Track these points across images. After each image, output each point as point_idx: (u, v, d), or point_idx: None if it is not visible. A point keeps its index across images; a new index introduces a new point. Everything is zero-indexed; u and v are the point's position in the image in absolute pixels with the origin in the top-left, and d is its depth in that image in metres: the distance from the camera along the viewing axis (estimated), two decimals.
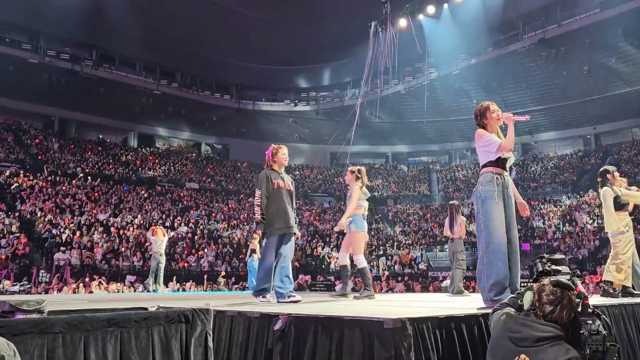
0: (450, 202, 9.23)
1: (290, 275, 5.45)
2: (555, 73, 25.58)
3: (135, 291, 14.58)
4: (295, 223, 5.64)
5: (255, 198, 5.45)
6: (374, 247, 23.61)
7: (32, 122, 28.42)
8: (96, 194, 22.71)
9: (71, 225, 18.99)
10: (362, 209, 6.53)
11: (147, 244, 18.59)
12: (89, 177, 24.19)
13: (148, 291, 11.89)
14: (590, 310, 2.50)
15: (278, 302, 5.16)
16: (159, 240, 11.93)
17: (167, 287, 14.46)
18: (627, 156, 27.70)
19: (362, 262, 6.38)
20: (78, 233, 18.43)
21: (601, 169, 6.57)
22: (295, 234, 5.60)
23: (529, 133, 32.18)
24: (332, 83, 31.37)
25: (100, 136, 30.92)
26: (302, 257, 22.12)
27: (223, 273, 18.09)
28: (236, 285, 17.57)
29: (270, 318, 3.32)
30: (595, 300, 4.41)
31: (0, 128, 26.14)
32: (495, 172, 4.33)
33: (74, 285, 14.16)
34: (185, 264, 18.96)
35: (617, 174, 6.43)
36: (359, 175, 6.59)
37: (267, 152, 5.79)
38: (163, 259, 12.03)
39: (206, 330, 2.89)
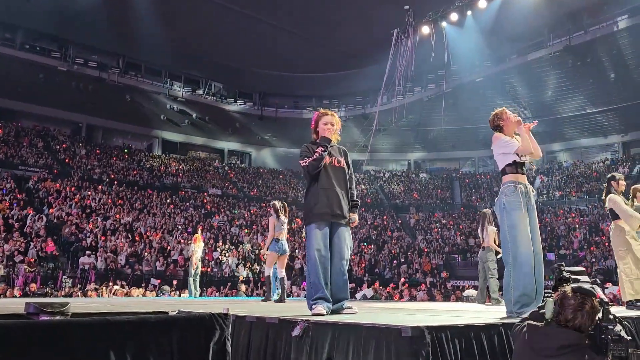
0: (484, 210, 9.17)
1: (344, 279, 4.30)
2: (582, 81, 25.18)
3: (158, 295, 14.75)
4: (354, 208, 4.46)
5: (302, 165, 4.37)
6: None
7: (61, 128, 29.11)
8: (120, 199, 23.09)
9: (96, 229, 19.33)
10: (280, 233, 8.47)
11: (168, 248, 18.85)
12: (115, 184, 24.65)
13: (190, 295, 12.37)
14: (611, 316, 2.45)
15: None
16: (198, 247, 12.45)
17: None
18: None
19: (266, 272, 8.76)
20: (103, 237, 18.75)
21: (608, 176, 6.54)
22: (349, 222, 4.40)
23: (554, 141, 31.73)
24: (355, 90, 31.39)
25: (126, 143, 31.46)
26: None
27: (242, 277, 18.19)
28: (257, 291, 17.64)
29: (289, 324, 3.33)
30: (619, 312, 4.32)
31: (31, 134, 26.83)
32: (517, 181, 4.30)
33: (96, 289, 14.37)
34: (208, 269, 19.11)
35: (622, 182, 6.39)
36: (277, 208, 8.58)
37: (313, 119, 4.61)
38: (199, 265, 12.53)
39: (225, 335, 2.91)
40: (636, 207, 6.69)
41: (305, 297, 4.80)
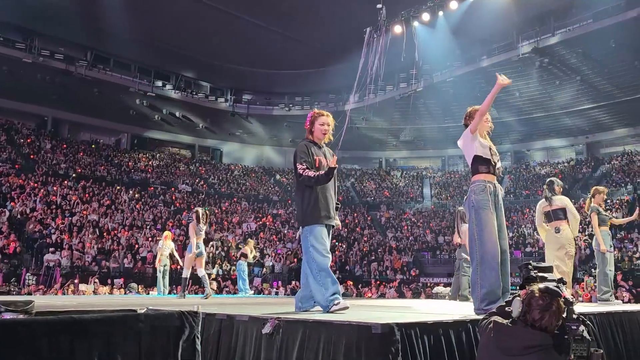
0: (458, 207, 9.30)
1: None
2: (548, 82, 25.75)
3: (125, 293, 14.51)
4: (337, 211, 4.54)
5: (299, 170, 4.21)
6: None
7: (25, 121, 28.27)
8: (87, 195, 22.59)
9: (62, 226, 18.87)
10: (199, 238, 9.24)
11: (137, 246, 18.55)
12: (82, 179, 24.08)
13: (159, 293, 12.26)
14: (575, 316, 2.52)
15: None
16: (166, 244, 12.39)
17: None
18: (618, 165, 27.91)
19: (184, 273, 9.54)
20: (68, 234, 18.32)
21: (548, 180, 6.87)
22: (334, 226, 4.51)
23: (521, 141, 32.43)
24: (327, 88, 31.39)
25: (93, 137, 30.77)
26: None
27: (212, 275, 18.04)
28: (227, 289, 17.53)
29: (259, 321, 3.31)
30: (582, 308, 4.45)
31: None
32: (487, 180, 4.37)
33: (64, 287, 14.05)
34: (177, 267, 18.85)
35: (561, 189, 6.73)
36: (199, 215, 9.22)
37: (307, 118, 4.56)
38: (168, 262, 12.51)
39: (194, 333, 2.88)
40: (592, 208, 6.97)
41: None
